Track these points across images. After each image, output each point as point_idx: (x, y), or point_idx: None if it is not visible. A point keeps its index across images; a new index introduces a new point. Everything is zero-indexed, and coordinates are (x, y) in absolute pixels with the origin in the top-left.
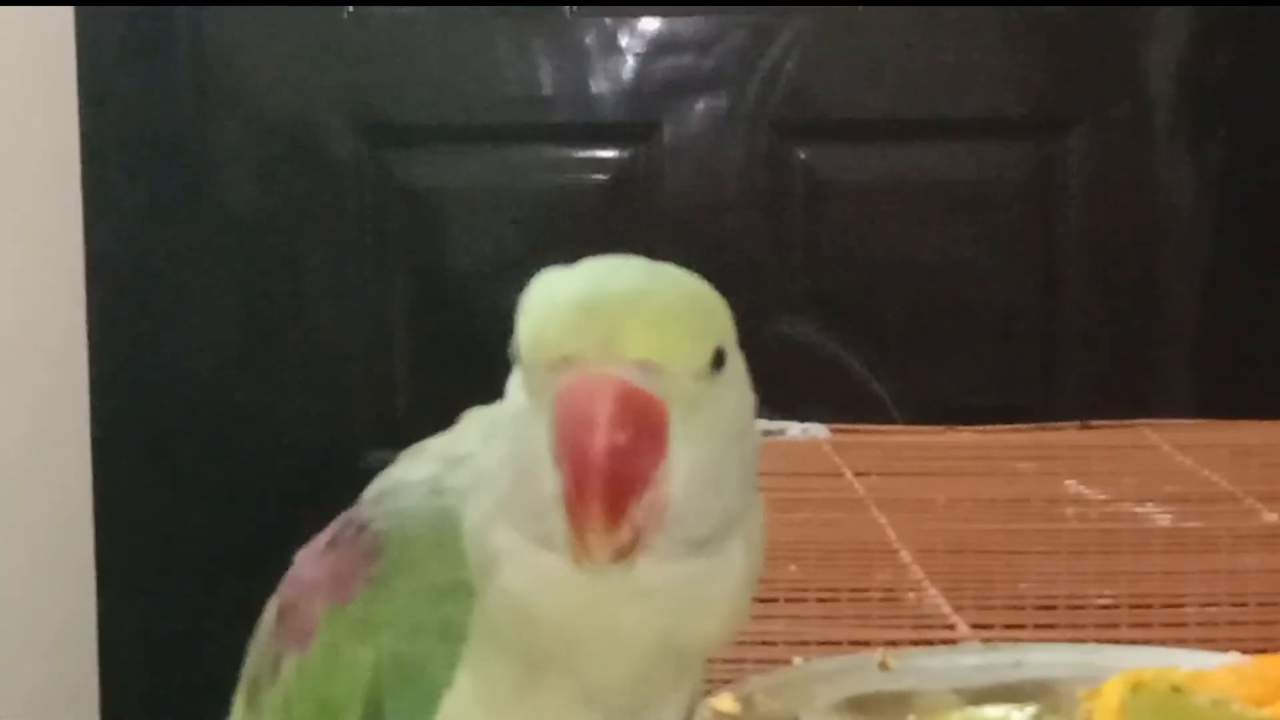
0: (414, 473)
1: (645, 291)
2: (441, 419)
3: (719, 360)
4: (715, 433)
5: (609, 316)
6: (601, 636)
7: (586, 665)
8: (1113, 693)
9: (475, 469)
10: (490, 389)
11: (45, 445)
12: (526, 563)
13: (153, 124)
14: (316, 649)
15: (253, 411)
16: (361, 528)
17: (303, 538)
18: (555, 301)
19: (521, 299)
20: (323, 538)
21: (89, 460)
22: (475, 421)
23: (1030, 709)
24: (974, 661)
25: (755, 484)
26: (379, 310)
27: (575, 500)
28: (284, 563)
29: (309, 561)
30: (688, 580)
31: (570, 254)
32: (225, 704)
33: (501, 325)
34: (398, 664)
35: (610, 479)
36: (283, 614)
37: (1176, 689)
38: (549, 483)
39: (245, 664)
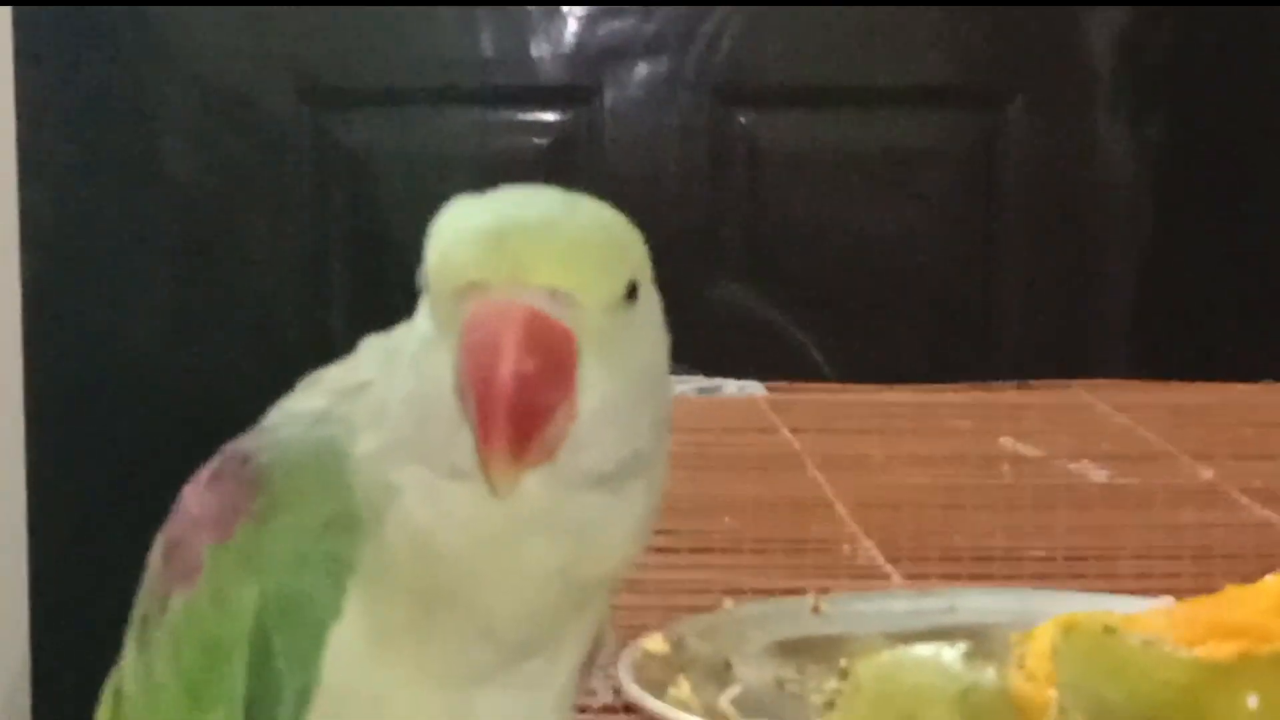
0: (304, 404)
1: (557, 220)
2: None
3: (632, 294)
4: (625, 367)
5: (518, 243)
6: (502, 567)
7: (485, 597)
8: (1045, 635)
9: (372, 399)
10: None
11: None
12: (429, 494)
13: (90, 84)
14: (201, 587)
15: (189, 374)
16: (244, 461)
17: None
18: (464, 228)
19: (431, 225)
20: (206, 471)
21: (22, 423)
22: (373, 350)
23: (961, 646)
24: (906, 606)
25: (666, 426)
26: (317, 273)
27: (481, 429)
28: None
29: (192, 497)
30: (590, 514)
31: None
32: None
33: None
34: (283, 600)
35: (516, 407)
36: (168, 552)
37: (1109, 630)
38: (454, 412)
39: (135, 604)
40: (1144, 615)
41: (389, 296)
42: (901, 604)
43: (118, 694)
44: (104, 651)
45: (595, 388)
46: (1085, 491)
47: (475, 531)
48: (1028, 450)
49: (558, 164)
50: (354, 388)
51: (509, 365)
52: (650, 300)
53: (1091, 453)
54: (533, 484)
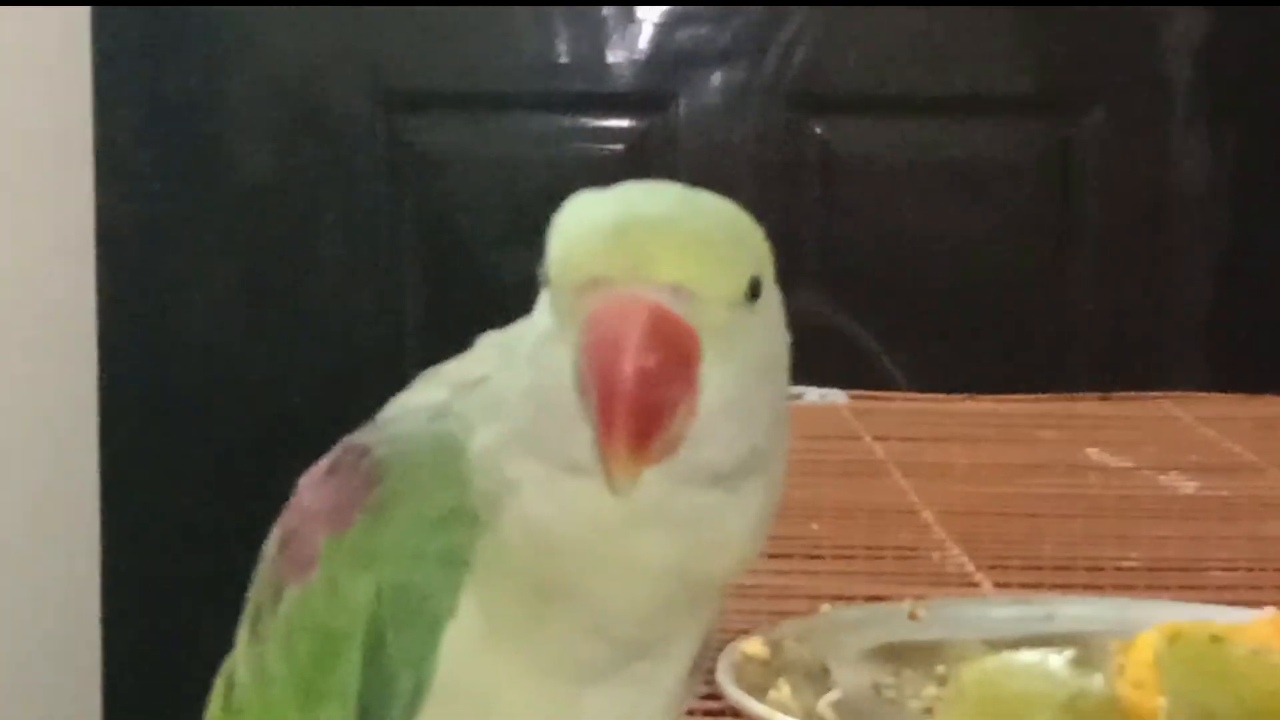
0: (422, 398)
1: (681, 215)
2: None
3: (754, 291)
4: (746, 364)
5: (642, 239)
6: (618, 562)
7: (600, 593)
8: (1148, 644)
9: (489, 393)
10: None
11: (52, 410)
12: (546, 488)
13: (166, 87)
14: (317, 579)
15: (262, 378)
16: (362, 454)
17: None
18: (587, 222)
19: (554, 220)
20: (323, 464)
21: (96, 426)
22: (491, 345)
23: (1068, 653)
24: (1005, 613)
25: (784, 424)
26: (391, 277)
27: (602, 425)
28: None
29: (309, 489)
30: (707, 511)
31: None
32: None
33: (514, 294)
34: (398, 594)
35: (638, 404)
36: (283, 543)
37: (1215, 639)
38: (574, 408)
39: (249, 595)
40: (1250, 625)
41: (462, 300)
42: (999, 611)
43: (229, 684)
44: (176, 651)
45: (716, 385)
46: (1173, 502)
47: (592, 527)
48: (1115, 461)
49: (632, 170)
50: (471, 382)
51: (632, 361)
52: (772, 297)
53: (1179, 464)
54: (651, 480)
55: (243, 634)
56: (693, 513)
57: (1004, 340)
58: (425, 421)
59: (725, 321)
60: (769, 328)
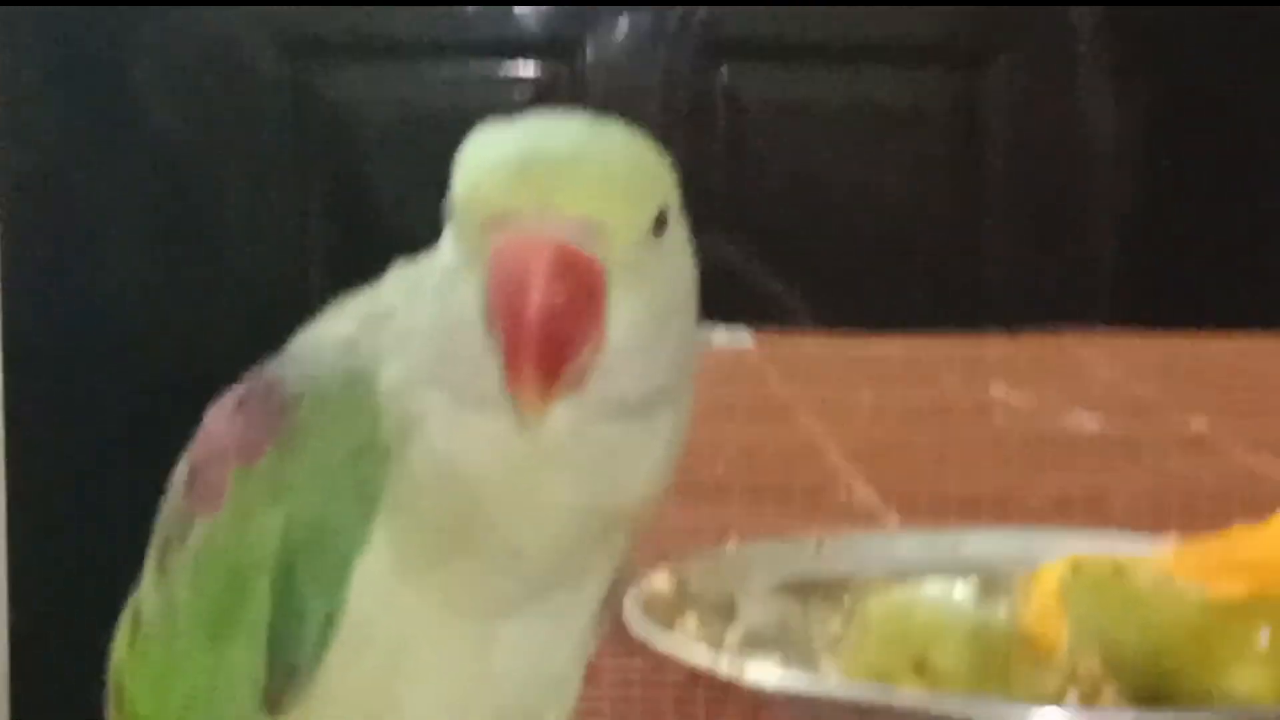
0: (331, 331)
1: (586, 148)
2: None
3: (661, 223)
4: (654, 297)
5: (547, 173)
6: (526, 496)
7: (509, 527)
8: (1052, 575)
9: (397, 327)
10: None
11: None
12: (453, 423)
13: (68, 38)
14: (225, 512)
15: (169, 331)
16: (272, 387)
17: None
18: (492, 156)
19: (458, 154)
20: (233, 396)
21: (0, 375)
22: (400, 278)
23: (972, 582)
24: (911, 546)
25: (692, 355)
26: (298, 227)
27: (510, 360)
28: None
29: (218, 421)
30: (616, 443)
31: None
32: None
33: (421, 241)
34: (309, 527)
35: (545, 339)
36: (192, 475)
37: (1118, 570)
38: (480, 343)
39: (156, 527)
40: (1152, 555)
41: (368, 247)
42: (906, 544)
43: (136, 619)
44: (85, 610)
45: (623, 318)
46: (1076, 441)
47: (499, 460)
48: (1019, 400)
49: None
50: (379, 315)
51: (537, 297)
52: (679, 229)
53: (1083, 402)
54: (560, 414)
55: (149, 568)
56: (601, 445)
57: (913, 284)
58: (336, 354)
59: (632, 254)
60: (676, 259)
